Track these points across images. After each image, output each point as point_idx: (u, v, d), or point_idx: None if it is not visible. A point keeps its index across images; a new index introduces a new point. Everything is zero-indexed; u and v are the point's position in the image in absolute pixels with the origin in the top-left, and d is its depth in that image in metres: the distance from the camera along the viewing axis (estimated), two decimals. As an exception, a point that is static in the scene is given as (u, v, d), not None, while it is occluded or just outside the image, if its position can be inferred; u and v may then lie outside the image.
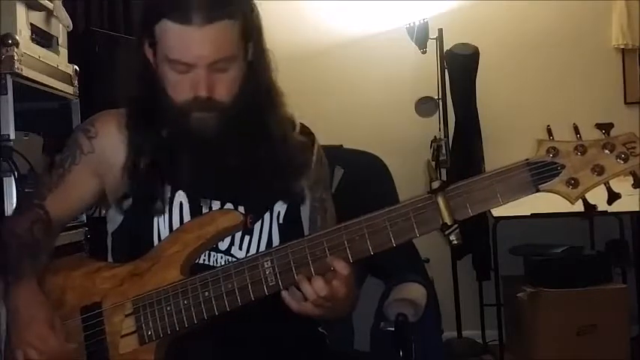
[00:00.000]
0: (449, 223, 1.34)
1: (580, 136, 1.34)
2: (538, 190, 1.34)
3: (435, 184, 1.35)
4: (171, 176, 1.55)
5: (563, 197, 1.34)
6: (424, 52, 4.03)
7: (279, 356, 1.55)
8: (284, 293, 1.42)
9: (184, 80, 1.47)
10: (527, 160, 1.35)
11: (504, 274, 3.99)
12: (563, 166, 1.32)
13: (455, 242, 1.35)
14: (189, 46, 1.44)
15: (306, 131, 1.66)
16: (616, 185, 1.34)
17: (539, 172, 1.33)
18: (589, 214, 1.32)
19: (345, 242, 1.39)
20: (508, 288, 3.98)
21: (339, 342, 1.82)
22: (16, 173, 2.18)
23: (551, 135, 1.36)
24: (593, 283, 3.70)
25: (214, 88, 1.47)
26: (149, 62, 1.53)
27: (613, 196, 1.33)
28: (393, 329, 1.80)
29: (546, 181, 1.33)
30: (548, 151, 1.33)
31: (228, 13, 1.45)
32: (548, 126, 1.37)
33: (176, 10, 1.43)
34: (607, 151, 1.31)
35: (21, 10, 2.29)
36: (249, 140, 1.53)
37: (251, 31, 1.52)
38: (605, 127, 1.33)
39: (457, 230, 1.34)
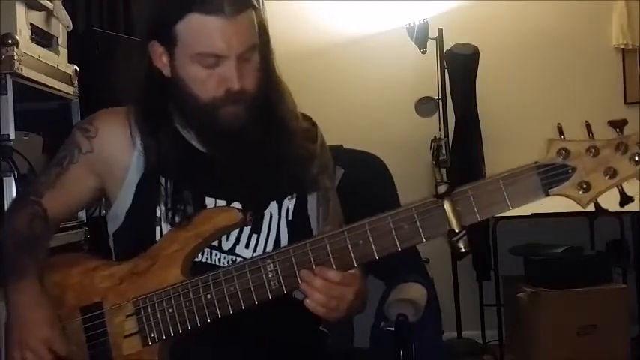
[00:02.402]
0: (457, 230, 1.30)
1: (592, 135, 1.27)
2: (548, 195, 1.28)
3: (442, 189, 1.30)
4: (180, 177, 1.53)
5: (574, 201, 1.28)
6: (424, 52, 4.02)
7: (280, 355, 1.55)
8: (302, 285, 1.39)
9: (212, 76, 1.46)
10: (536, 162, 1.29)
11: (504, 274, 3.99)
12: (574, 169, 1.26)
13: (463, 250, 1.30)
14: (222, 37, 1.44)
15: (307, 119, 1.65)
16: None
17: (550, 176, 1.27)
18: (595, 215, 1.29)
19: (349, 246, 1.36)
20: (508, 288, 3.98)
21: (340, 340, 1.81)
22: (16, 173, 2.17)
23: (562, 134, 1.28)
24: (593, 283, 3.70)
25: (243, 79, 1.47)
26: (153, 64, 1.52)
27: (625, 199, 1.26)
28: (393, 329, 1.80)
29: (556, 185, 1.27)
30: (558, 153, 1.27)
31: (251, 2, 1.48)
32: (559, 124, 1.29)
33: (207, 2, 1.43)
34: (620, 153, 1.24)
35: (21, 10, 2.28)
36: (270, 131, 1.53)
37: (262, 19, 1.53)
38: (619, 125, 1.26)
39: (465, 237, 1.29)
